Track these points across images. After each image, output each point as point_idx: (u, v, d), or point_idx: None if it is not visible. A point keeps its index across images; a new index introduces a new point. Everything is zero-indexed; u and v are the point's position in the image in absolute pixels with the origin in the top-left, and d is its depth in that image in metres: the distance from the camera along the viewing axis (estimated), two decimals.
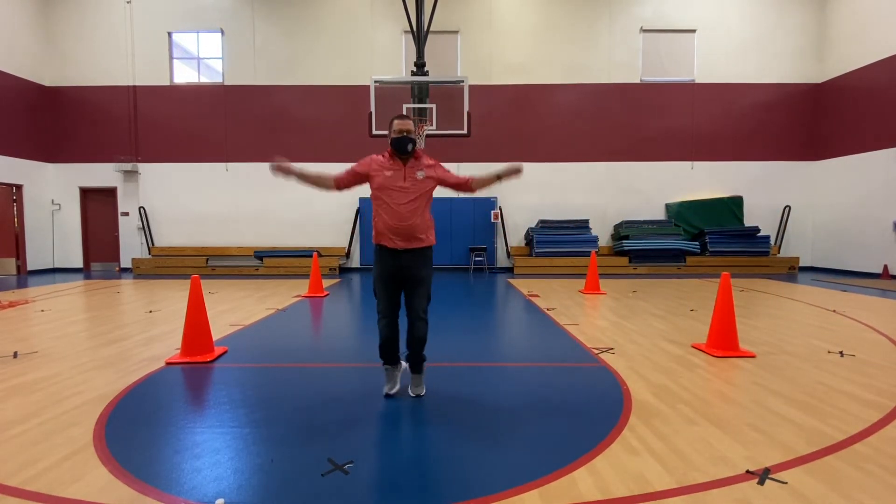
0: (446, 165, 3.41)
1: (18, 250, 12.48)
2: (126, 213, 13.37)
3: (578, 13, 12.99)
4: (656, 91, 13.12)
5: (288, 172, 3.28)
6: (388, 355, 3.32)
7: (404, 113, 9.33)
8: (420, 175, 3.20)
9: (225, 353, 4.50)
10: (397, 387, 3.39)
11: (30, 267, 12.66)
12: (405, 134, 3.17)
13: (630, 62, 13.07)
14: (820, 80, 12.98)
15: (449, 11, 12.58)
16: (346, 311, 7.09)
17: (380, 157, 3.28)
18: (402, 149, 3.18)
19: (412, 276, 3.19)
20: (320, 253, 12.69)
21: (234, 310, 6.92)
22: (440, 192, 11.51)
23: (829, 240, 12.70)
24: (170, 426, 2.84)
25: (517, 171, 3.25)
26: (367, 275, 12.26)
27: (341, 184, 3.30)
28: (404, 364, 3.53)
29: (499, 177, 3.32)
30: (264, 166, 13.50)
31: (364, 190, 13.90)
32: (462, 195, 3.13)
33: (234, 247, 13.30)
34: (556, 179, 13.22)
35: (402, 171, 3.19)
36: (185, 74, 13.46)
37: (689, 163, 13.22)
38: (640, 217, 13.23)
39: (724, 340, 4.36)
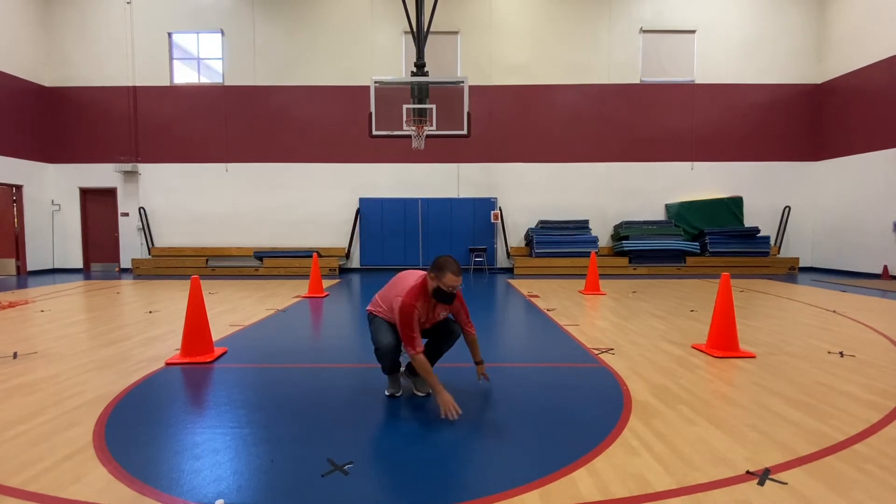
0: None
1: (18, 251, 12.48)
2: (126, 214, 13.37)
3: (578, 13, 13.00)
4: (656, 91, 13.13)
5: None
6: (392, 370, 3.37)
7: (404, 114, 9.32)
8: (442, 315, 3.24)
9: (225, 353, 4.50)
10: (401, 390, 3.41)
11: (29, 267, 12.66)
12: (453, 290, 3.02)
13: (630, 62, 13.08)
14: (820, 81, 12.98)
15: (449, 12, 12.60)
16: (345, 312, 7.08)
17: (416, 303, 3.01)
18: (446, 301, 3.07)
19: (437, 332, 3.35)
20: (320, 253, 12.70)
21: (234, 310, 6.92)
22: (440, 191, 11.50)
23: (829, 240, 12.71)
24: (170, 427, 2.84)
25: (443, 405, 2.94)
26: (366, 275, 12.26)
27: (421, 346, 3.03)
28: (402, 368, 3.57)
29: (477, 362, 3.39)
30: (264, 166, 13.66)
31: (365, 190, 13.80)
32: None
33: (234, 247, 13.30)
34: (555, 180, 13.23)
35: (432, 315, 3.16)
36: (185, 75, 13.46)
37: (688, 163, 13.22)
38: (640, 217, 13.23)
39: (724, 341, 4.36)
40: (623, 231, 12.70)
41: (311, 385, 3.65)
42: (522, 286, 9.71)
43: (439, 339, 3.34)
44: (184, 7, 13.02)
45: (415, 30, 9.95)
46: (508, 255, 13.20)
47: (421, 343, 3.01)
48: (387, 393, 3.38)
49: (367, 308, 3.40)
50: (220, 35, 13.14)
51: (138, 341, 4.99)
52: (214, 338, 4.94)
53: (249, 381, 3.74)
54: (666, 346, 4.70)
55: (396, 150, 12.67)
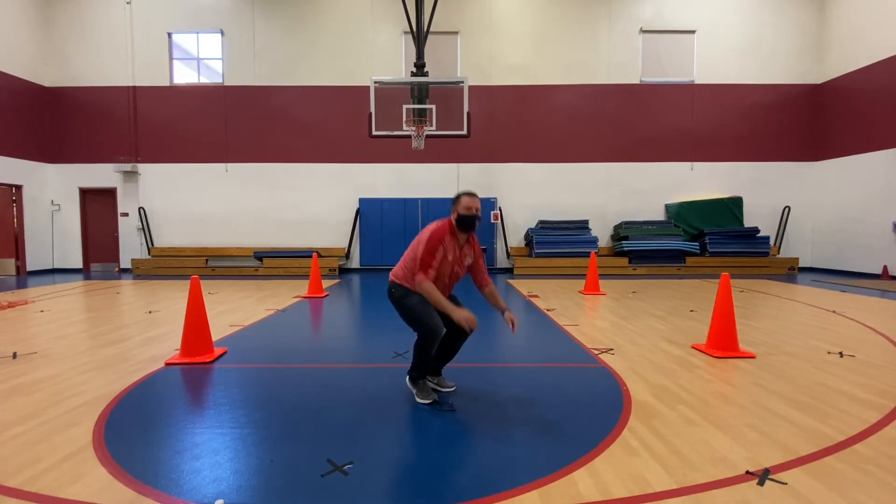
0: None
1: (18, 251, 12.47)
2: (126, 214, 13.37)
3: (578, 14, 13.00)
4: (656, 92, 13.13)
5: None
6: (427, 370, 3.34)
7: (404, 114, 9.33)
8: (468, 261, 3.27)
9: (224, 353, 4.50)
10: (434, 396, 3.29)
11: (29, 267, 12.66)
12: (474, 211, 3.11)
13: (630, 63, 13.08)
14: (819, 81, 12.99)
15: (449, 12, 12.59)
16: (345, 312, 7.08)
17: (445, 235, 3.09)
18: (470, 227, 3.14)
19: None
20: (320, 253, 12.69)
21: (234, 310, 6.92)
22: (440, 191, 11.49)
23: (829, 240, 12.71)
24: (169, 427, 2.84)
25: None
26: (366, 275, 12.26)
27: (433, 275, 3.06)
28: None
29: (501, 311, 3.25)
30: (264, 167, 13.64)
31: (365, 190, 13.76)
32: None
33: (234, 247, 13.30)
34: (555, 180, 13.23)
35: (459, 255, 3.18)
36: (184, 75, 13.46)
37: (688, 163, 13.22)
38: (640, 218, 13.23)
39: (723, 341, 4.36)
40: (623, 231, 12.70)
41: (310, 385, 3.65)
42: (522, 286, 9.71)
43: (456, 334, 3.28)
44: (183, 7, 13.01)
45: (414, 30, 9.95)
46: (508, 255, 13.20)
47: (433, 275, 3.03)
48: (427, 401, 3.20)
49: (392, 278, 3.22)
50: (219, 35, 13.14)
51: (138, 341, 4.99)
52: (214, 338, 4.94)
53: (249, 381, 3.74)
54: (666, 347, 4.70)
55: (396, 151, 12.67)
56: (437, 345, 3.15)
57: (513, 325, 3.16)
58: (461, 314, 2.97)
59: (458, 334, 3.27)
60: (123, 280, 11.32)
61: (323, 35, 13.03)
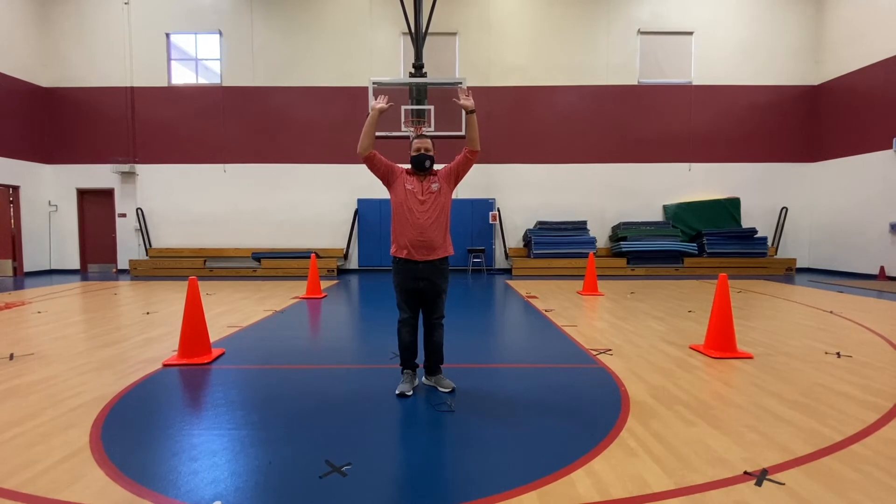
0: (444, 167, 3.47)
1: (15, 252, 12.44)
2: (123, 215, 13.34)
3: (576, 15, 13.02)
4: (654, 93, 13.15)
5: (380, 112, 3.38)
6: (409, 360, 3.49)
7: (402, 115, 9.34)
8: (435, 187, 3.34)
9: (222, 354, 4.49)
10: (411, 391, 3.41)
11: (26, 268, 12.62)
12: (423, 151, 3.33)
13: (628, 64, 13.10)
14: (817, 82, 13.03)
15: (447, 13, 12.60)
16: (344, 313, 7.08)
17: (404, 170, 3.42)
18: (420, 166, 3.35)
19: (431, 289, 3.37)
20: (318, 254, 12.68)
21: (232, 311, 6.91)
22: None
23: (826, 241, 12.74)
24: (167, 428, 2.84)
25: (465, 102, 3.34)
26: (365, 276, 12.26)
27: (375, 157, 3.36)
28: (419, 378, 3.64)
29: (466, 112, 3.38)
30: (262, 167, 13.61)
31: (363, 191, 13.77)
32: (469, 169, 3.42)
33: (232, 248, 13.28)
34: (554, 181, 13.24)
35: (420, 186, 3.33)
36: (183, 76, 13.44)
37: (686, 164, 13.25)
38: (638, 218, 13.25)
39: (721, 342, 4.37)
40: (621, 232, 12.72)
41: (309, 386, 3.64)
42: (521, 287, 9.71)
43: (429, 330, 3.49)
44: (182, 7, 13.00)
45: (413, 31, 9.96)
46: (507, 255, 13.20)
47: (379, 159, 3.38)
48: (397, 392, 3.37)
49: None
50: (218, 36, 13.13)
51: (136, 343, 4.97)
52: (212, 339, 4.94)
53: (247, 382, 3.74)
54: (664, 347, 4.71)
55: (394, 152, 12.64)
56: (404, 331, 3.42)
57: (465, 97, 3.35)
58: (374, 105, 3.36)
59: (430, 330, 3.48)
60: (121, 281, 11.29)
61: (321, 36, 13.03)
